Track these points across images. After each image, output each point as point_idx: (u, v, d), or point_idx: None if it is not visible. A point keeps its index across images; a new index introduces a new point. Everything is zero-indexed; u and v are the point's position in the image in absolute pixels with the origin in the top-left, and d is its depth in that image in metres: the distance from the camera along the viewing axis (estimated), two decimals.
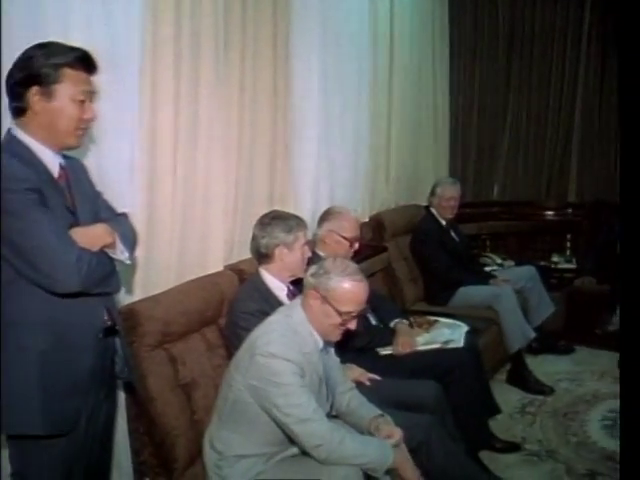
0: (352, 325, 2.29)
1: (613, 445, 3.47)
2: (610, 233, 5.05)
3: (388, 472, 2.25)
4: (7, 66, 1.92)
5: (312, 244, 3.14)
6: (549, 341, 4.72)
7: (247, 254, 3.07)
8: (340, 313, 2.25)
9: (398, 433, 2.34)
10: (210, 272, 2.99)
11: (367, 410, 2.48)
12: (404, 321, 3.45)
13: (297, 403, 2.15)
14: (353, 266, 2.35)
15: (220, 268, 3.07)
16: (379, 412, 2.46)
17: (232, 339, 2.66)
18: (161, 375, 2.49)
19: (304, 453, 2.22)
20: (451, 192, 4.64)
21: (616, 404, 3.89)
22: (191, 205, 2.93)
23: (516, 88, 5.85)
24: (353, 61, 4.27)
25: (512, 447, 3.46)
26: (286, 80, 3.54)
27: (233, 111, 3.18)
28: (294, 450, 2.29)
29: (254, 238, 2.86)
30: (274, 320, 2.31)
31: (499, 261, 5.31)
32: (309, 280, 2.32)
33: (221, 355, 2.76)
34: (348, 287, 2.25)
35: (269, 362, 2.15)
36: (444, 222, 4.63)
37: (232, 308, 2.77)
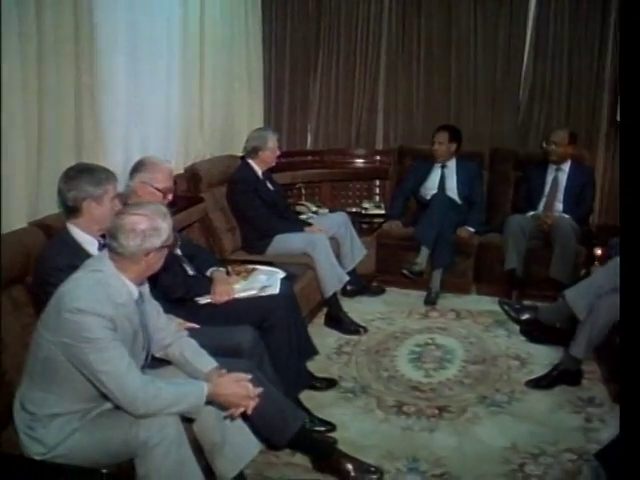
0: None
1: (417, 376, 3.78)
2: (413, 178, 5.34)
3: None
4: None
5: (124, 197, 3.07)
6: (362, 284, 4.94)
7: (55, 209, 2.96)
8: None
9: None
10: (13, 229, 2.86)
11: (203, 361, 2.51)
12: (221, 269, 3.48)
13: (109, 358, 2.13)
14: None
15: (24, 224, 2.94)
16: (215, 364, 2.50)
17: (42, 296, 2.54)
18: None
19: (119, 407, 2.21)
20: (276, 143, 4.67)
21: (422, 338, 4.24)
22: None
23: (326, 37, 5.92)
24: (163, 12, 4.18)
25: (330, 383, 3.64)
26: (90, 29, 3.39)
27: (30, 60, 2.98)
28: (109, 405, 2.27)
29: (60, 192, 2.73)
30: (81, 275, 2.24)
31: (314, 209, 5.45)
32: None
33: (30, 314, 2.66)
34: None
35: (78, 318, 2.11)
36: (260, 172, 4.65)
37: (40, 265, 2.66)
